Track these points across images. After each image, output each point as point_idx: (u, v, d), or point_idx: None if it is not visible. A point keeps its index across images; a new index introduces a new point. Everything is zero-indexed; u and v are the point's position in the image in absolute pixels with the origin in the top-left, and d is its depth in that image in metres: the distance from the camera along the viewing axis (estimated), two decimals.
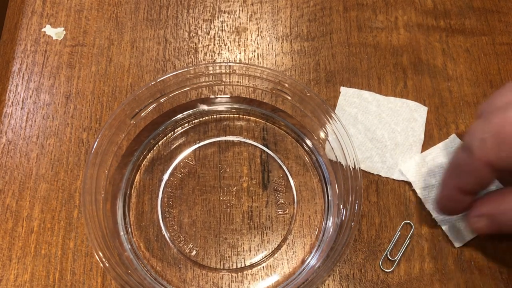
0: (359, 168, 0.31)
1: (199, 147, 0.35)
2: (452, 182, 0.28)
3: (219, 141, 0.36)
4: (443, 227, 0.32)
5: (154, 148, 0.35)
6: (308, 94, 0.33)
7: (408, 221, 0.33)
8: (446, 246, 0.32)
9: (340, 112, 0.36)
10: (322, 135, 0.34)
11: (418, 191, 0.33)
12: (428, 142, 0.35)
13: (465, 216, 0.30)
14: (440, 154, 0.34)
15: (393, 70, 0.38)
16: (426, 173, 0.34)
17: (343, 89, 0.37)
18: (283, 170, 0.34)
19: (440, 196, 0.30)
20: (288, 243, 0.33)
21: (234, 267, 0.32)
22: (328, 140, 0.33)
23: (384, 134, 0.35)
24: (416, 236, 0.33)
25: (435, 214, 0.33)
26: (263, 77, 0.34)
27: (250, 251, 0.32)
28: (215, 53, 0.39)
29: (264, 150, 0.35)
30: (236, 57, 0.39)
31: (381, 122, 0.35)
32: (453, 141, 0.35)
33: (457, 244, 0.32)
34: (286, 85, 0.34)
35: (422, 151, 0.35)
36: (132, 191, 0.34)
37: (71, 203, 0.33)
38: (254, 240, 0.33)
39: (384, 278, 0.31)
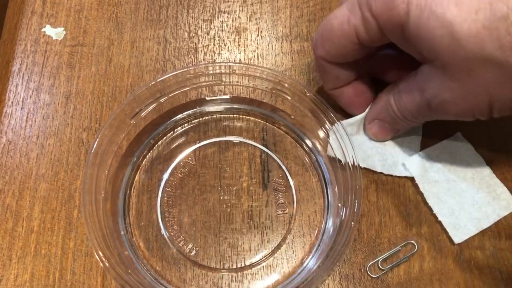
0: (359, 167, 0.31)
1: (199, 147, 0.35)
2: (326, 86, 0.34)
3: (219, 141, 0.36)
4: (443, 222, 0.32)
5: (154, 148, 0.35)
6: (308, 94, 0.33)
7: (412, 241, 0.32)
8: (445, 246, 0.32)
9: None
10: (321, 135, 0.34)
11: (421, 186, 0.33)
12: (429, 142, 0.35)
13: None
14: (444, 151, 0.34)
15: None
16: (430, 168, 0.34)
17: None
18: (283, 170, 0.35)
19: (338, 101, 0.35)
20: (288, 243, 0.33)
21: (234, 266, 0.32)
22: (328, 140, 0.33)
23: None
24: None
25: (435, 209, 0.33)
26: (263, 77, 0.34)
27: (250, 250, 0.32)
28: (215, 53, 0.39)
29: (263, 150, 0.35)
30: (236, 57, 0.39)
31: None
32: (457, 138, 0.35)
33: (456, 240, 0.32)
34: (286, 85, 0.34)
35: (420, 149, 0.35)
36: (132, 191, 0.34)
37: (71, 203, 0.33)
38: (254, 240, 0.33)
39: (384, 278, 0.31)
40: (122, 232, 0.32)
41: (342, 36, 0.28)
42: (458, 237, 0.32)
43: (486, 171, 0.34)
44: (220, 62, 0.37)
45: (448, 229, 0.32)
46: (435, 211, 0.33)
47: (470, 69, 0.24)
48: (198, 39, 0.39)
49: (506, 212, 0.33)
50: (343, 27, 0.28)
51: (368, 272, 0.31)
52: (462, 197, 0.33)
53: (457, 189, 0.33)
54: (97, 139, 0.31)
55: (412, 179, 0.34)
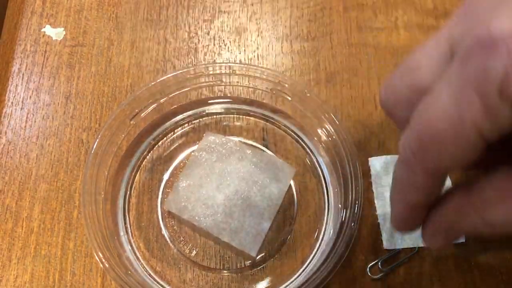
0: (359, 168, 0.31)
1: None
2: (399, 199, 0.23)
3: None
4: (380, 225, 0.32)
5: (154, 148, 0.35)
6: (308, 95, 0.33)
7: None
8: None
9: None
10: (322, 135, 0.34)
11: (374, 186, 0.33)
12: None
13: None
14: None
15: (393, 71, 0.38)
16: (392, 173, 0.33)
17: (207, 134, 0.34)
18: None
19: (393, 216, 0.24)
20: (288, 244, 0.32)
21: (234, 267, 0.32)
22: (328, 141, 0.33)
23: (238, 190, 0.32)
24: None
25: (378, 211, 0.33)
26: (263, 78, 0.34)
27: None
28: (215, 53, 0.39)
29: (264, 151, 0.35)
30: (236, 57, 0.39)
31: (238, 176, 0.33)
32: None
33: (386, 245, 0.32)
34: (286, 85, 0.34)
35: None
36: (132, 191, 0.34)
37: (71, 204, 0.33)
38: None
39: (384, 279, 0.31)
40: (122, 233, 0.32)
41: (458, 143, 0.18)
42: (389, 244, 0.32)
43: None
44: (220, 63, 0.37)
45: (382, 233, 0.32)
46: (378, 212, 0.33)
47: None
48: (198, 39, 0.39)
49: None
50: (456, 129, 0.18)
51: (369, 273, 0.31)
52: None
53: None
54: (97, 140, 0.31)
55: None
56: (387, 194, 0.33)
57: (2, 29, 0.41)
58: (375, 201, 0.33)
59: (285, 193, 0.32)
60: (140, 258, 0.32)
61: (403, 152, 0.21)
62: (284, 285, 0.31)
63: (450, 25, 0.20)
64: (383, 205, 0.33)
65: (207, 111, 0.36)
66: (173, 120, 0.36)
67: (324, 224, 0.33)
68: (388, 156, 0.34)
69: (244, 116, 0.36)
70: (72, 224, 0.33)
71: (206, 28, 0.39)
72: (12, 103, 0.37)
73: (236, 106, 0.36)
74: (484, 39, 0.16)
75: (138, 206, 0.33)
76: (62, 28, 0.39)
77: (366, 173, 0.34)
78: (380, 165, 0.34)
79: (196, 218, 0.31)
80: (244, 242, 0.31)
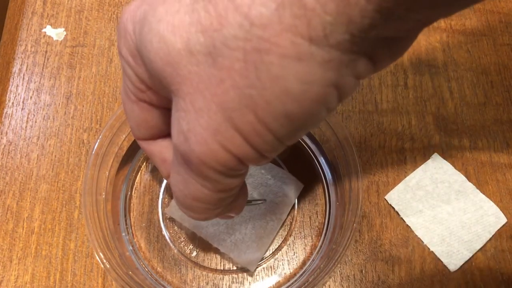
0: (359, 168, 0.31)
1: None
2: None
3: None
4: (436, 252, 0.32)
5: None
6: None
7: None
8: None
9: None
10: (322, 135, 0.34)
11: (406, 219, 0.33)
12: (429, 143, 0.35)
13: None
14: (424, 176, 0.34)
15: (394, 71, 0.38)
16: (412, 198, 0.33)
17: None
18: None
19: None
20: (289, 244, 0.33)
21: (235, 268, 0.32)
22: (329, 141, 0.33)
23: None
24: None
25: (425, 240, 0.32)
26: None
27: None
28: None
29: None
30: None
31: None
32: (435, 159, 0.34)
33: (452, 268, 0.32)
34: None
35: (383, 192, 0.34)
36: (133, 192, 0.34)
37: (72, 204, 0.33)
38: None
39: (385, 279, 0.31)
40: (123, 233, 0.32)
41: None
42: (453, 265, 0.32)
43: (470, 188, 0.33)
44: None
45: (441, 258, 0.32)
46: (426, 242, 0.32)
47: (186, 75, 0.17)
48: None
49: (496, 228, 0.32)
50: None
51: None
52: (450, 222, 0.32)
53: (444, 215, 0.33)
54: (98, 140, 0.31)
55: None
56: (420, 219, 0.33)
57: (2, 30, 0.41)
58: (416, 233, 0.32)
59: (290, 209, 0.33)
60: (141, 258, 0.32)
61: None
62: (285, 285, 0.31)
63: None
64: (425, 233, 0.32)
65: None
66: None
67: (325, 225, 0.33)
68: (400, 184, 0.34)
69: None
70: (73, 224, 0.33)
71: None
72: (12, 103, 0.37)
73: None
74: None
75: (139, 206, 0.34)
76: (63, 29, 0.39)
77: (367, 173, 0.34)
78: (398, 197, 0.34)
79: (198, 227, 0.31)
80: (243, 256, 0.31)
